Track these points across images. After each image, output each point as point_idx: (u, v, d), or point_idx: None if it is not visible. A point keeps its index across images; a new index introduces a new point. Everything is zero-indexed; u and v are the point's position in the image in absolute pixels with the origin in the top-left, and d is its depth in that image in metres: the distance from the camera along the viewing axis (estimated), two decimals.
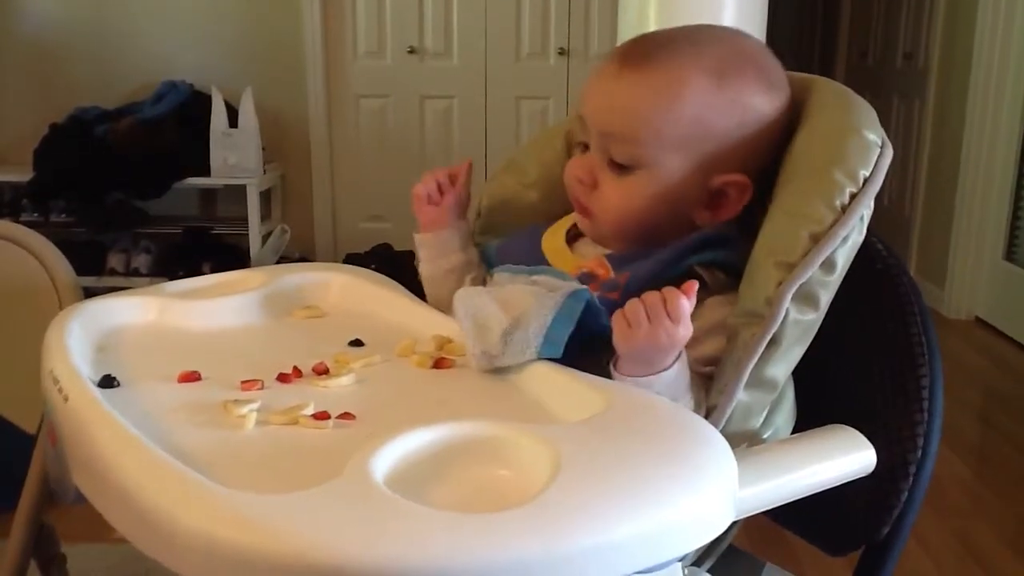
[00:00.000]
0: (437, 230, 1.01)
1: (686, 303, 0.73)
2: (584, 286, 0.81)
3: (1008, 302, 3.50)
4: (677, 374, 0.77)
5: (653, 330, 0.73)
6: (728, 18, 1.93)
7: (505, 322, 0.78)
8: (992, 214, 3.55)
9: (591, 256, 0.89)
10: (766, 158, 0.87)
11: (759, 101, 0.86)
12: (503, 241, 1.01)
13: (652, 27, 1.98)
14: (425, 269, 1.02)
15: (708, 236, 0.86)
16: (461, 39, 4.00)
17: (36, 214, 3.60)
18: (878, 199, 0.81)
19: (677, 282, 0.82)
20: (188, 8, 3.95)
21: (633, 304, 0.75)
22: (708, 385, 0.81)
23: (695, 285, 0.75)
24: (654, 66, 0.86)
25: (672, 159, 0.85)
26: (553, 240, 0.94)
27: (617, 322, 0.75)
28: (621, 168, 0.87)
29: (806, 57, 5.43)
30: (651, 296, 0.74)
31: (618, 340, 0.75)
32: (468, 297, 0.82)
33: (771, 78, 0.87)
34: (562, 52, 3.98)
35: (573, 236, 0.94)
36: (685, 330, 0.74)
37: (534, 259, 0.93)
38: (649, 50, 0.88)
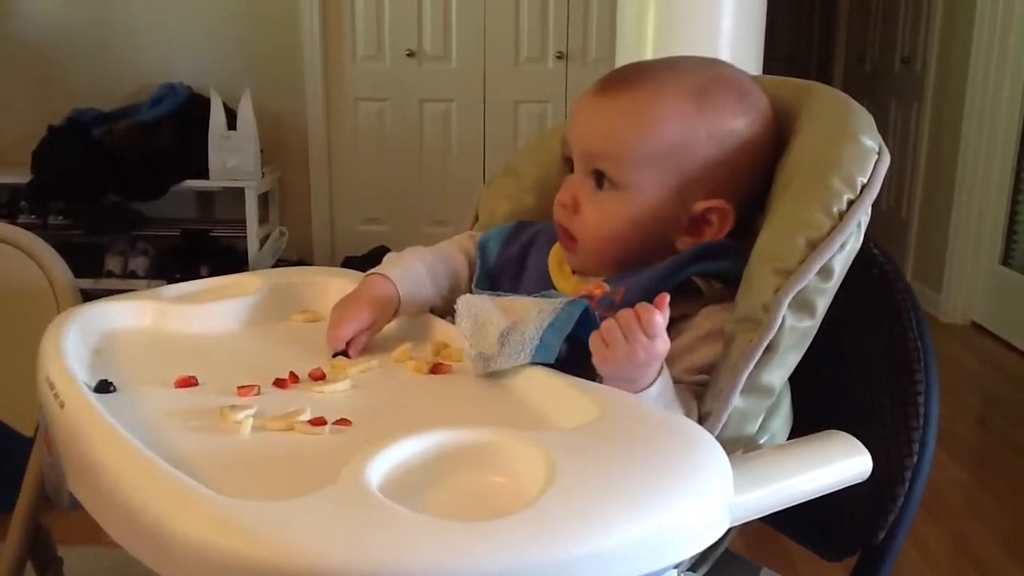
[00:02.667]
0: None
1: (659, 318, 0.73)
2: (583, 298, 0.81)
3: (1005, 307, 3.51)
4: (660, 391, 0.77)
5: (630, 347, 0.73)
6: (726, 23, 1.93)
7: (503, 325, 0.78)
8: (989, 219, 3.56)
9: (593, 282, 0.89)
10: (750, 182, 0.88)
11: (739, 125, 0.86)
12: (504, 242, 0.99)
13: (650, 31, 1.99)
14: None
15: (707, 247, 0.86)
16: (460, 42, 4.01)
17: (34, 216, 3.60)
18: (875, 204, 0.81)
19: (674, 296, 0.82)
20: (187, 10, 3.96)
21: (608, 324, 0.74)
22: (701, 393, 0.81)
23: (666, 298, 0.74)
24: (633, 89, 0.87)
25: (651, 181, 0.86)
26: (559, 266, 0.94)
27: (594, 343, 0.75)
28: (601, 189, 0.88)
29: (804, 62, 5.44)
30: (624, 314, 0.74)
31: (597, 361, 0.75)
32: (471, 300, 0.83)
33: (751, 102, 0.88)
34: (560, 56, 3.99)
35: None
36: (663, 344, 0.74)
37: (541, 281, 0.93)
38: (629, 76, 0.89)
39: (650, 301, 0.75)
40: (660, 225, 0.87)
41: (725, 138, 0.86)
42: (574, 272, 0.92)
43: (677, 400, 0.79)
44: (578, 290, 0.87)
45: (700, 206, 0.86)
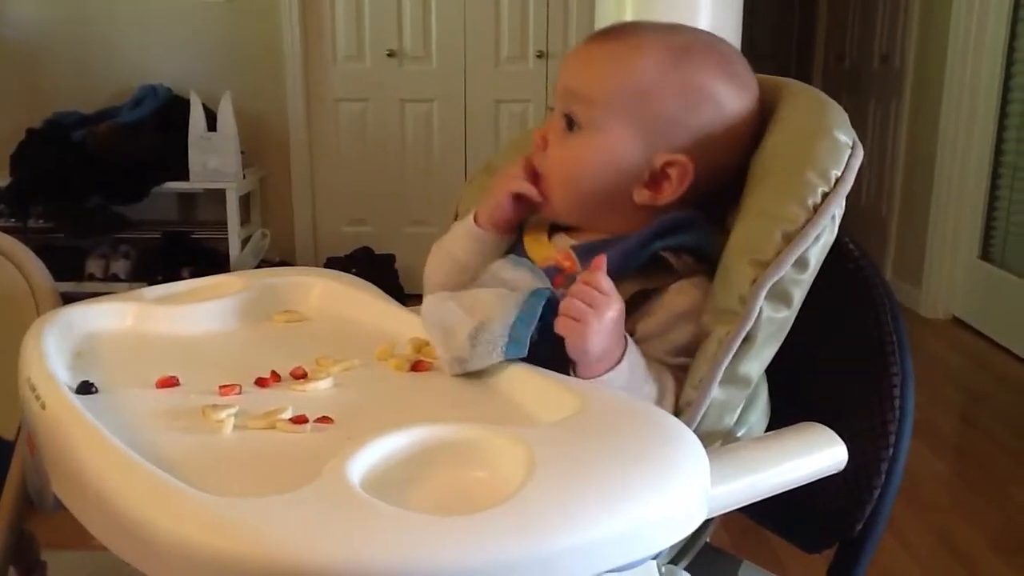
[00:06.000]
0: (501, 233, 0.95)
1: (605, 277, 0.77)
2: (546, 286, 0.82)
3: (984, 301, 3.54)
4: (632, 365, 0.79)
5: (597, 312, 0.76)
6: (704, 20, 1.94)
7: (470, 325, 0.79)
8: (968, 214, 3.59)
9: (562, 248, 0.91)
10: (720, 151, 0.88)
11: (717, 90, 0.87)
12: None
13: None
14: (453, 250, 0.97)
15: (672, 220, 0.87)
16: (440, 42, 4.00)
17: (13, 219, 3.56)
18: (854, 199, 0.83)
19: (643, 270, 0.83)
20: (167, 12, 3.93)
21: (566, 303, 0.77)
22: (682, 377, 0.82)
23: (603, 259, 0.78)
24: (618, 39, 0.90)
25: (618, 126, 0.87)
26: (533, 229, 0.96)
27: (563, 326, 0.77)
28: (572, 129, 0.89)
29: (783, 60, 5.46)
30: (574, 288, 0.78)
31: (573, 339, 0.77)
32: (434, 306, 0.83)
33: (734, 72, 0.89)
34: (540, 55, 3.99)
35: (554, 227, 0.95)
36: (619, 301, 0.78)
37: (517, 249, 0.94)
38: (619, 28, 0.92)
39: (618, 276, 0.79)
40: (620, 173, 0.88)
41: (698, 98, 0.87)
42: (549, 237, 0.94)
43: (650, 375, 0.80)
44: (547, 257, 0.89)
45: (661, 159, 0.87)
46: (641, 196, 0.89)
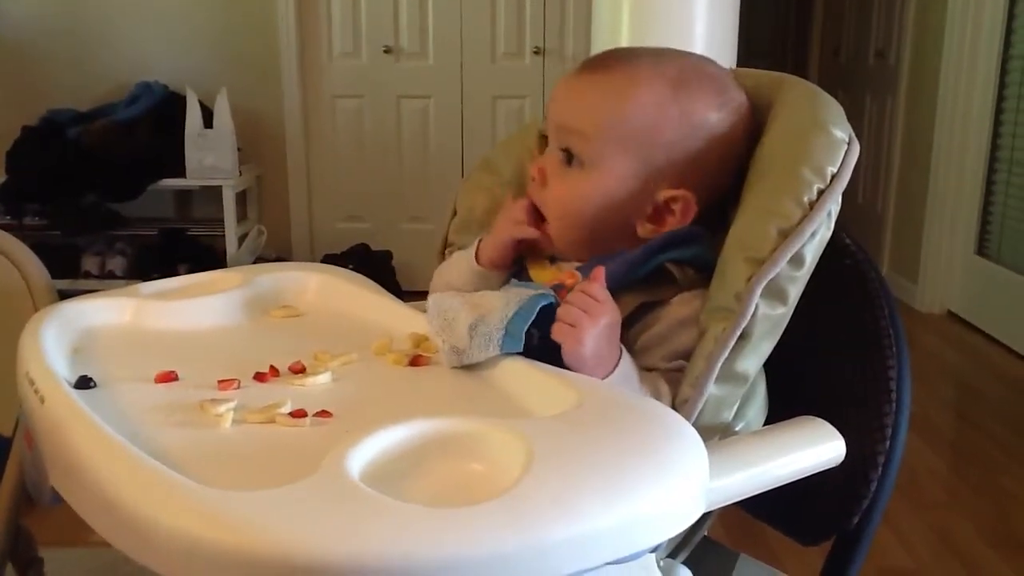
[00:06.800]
0: (502, 271, 0.96)
1: (602, 286, 0.78)
2: (551, 291, 0.82)
3: (980, 296, 3.55)
4: (625, 374, 0.79)
5: (592, 317, 0.77)
6: (701, 17, 1.94)
7: (471, 318, 0.79)
8: (964, 209, 3.60)
9: (566, 269, 0.91)
10: (718, 176, 0.89)
11: (713, 118, 0.87)
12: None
13: (625, 27, 1.99)
14: (455, 284, 0.97)
15: (676, 234, 0.87)
16: (436, 39, 4.00)
17: (9, 217, 3.57)
18: (851, 195, 0.83)
19: (646, 281, 0.83)
20: (163, 9, 3.93)
21: (563, 309, 0.78)
22: (678, 379, 0.82)
23: (602, 270, 0.79)
24: (613, 70, 0.89)
25: (619, 161, 0.87)
26: (535, 257, 0.95)
27: (560, 333, 0.78)
28: (570, 164, 0.89)
29: (780, 55, 5.47)
30: (571, 296, 0.79)
31: (569, 344, 0.77)
32: (440, 299, 0.84)
33: (728, 98, 0.89)
34: (537, 51, 3.99)
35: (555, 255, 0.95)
36: (615, 308, 0.79)
37: (520, 274, 0.94)
38: (611, 58, 0.91)
39: (621, 287, 0.79)
40: (622, 209, 0.88)
41: (697, 129, 0.87)
42: (551, 261, 0.94)
43: (645, 385, 0.80)
44: (553, 280, 0.88)
45: (664, 194, 0.87)
46: (645, 230, 0.89)
